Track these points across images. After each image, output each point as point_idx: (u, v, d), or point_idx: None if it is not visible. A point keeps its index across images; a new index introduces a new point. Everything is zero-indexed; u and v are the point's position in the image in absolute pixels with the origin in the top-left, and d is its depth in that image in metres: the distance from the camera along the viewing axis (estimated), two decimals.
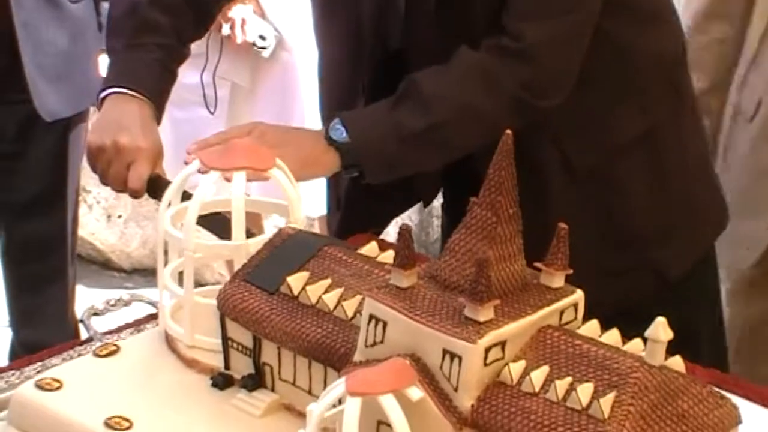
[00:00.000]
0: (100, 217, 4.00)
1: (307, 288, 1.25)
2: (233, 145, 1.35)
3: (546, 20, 1.60)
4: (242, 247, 1.32)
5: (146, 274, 3.84)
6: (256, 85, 3.02)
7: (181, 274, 1.36)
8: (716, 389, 1.14)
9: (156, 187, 1.69)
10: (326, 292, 1.24)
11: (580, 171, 1.71)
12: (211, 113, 2.98)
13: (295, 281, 1.25)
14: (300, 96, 2.94)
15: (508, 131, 1.15)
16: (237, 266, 1.31)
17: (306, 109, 2.92)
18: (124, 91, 1.71)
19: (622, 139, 1.72)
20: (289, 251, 1.30)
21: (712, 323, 1.88)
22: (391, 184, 1.77)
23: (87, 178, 3.24)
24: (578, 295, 1.20)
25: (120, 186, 1.70)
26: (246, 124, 1.68)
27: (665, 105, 1.76)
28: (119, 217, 4.01)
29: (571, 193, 1.70)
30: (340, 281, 1.25)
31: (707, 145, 1.87)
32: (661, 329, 1.11)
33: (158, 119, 1.76)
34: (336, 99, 1.80)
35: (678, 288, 1.75)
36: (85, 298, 3.04)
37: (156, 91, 1.75)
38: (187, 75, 2.95)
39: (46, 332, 2.75)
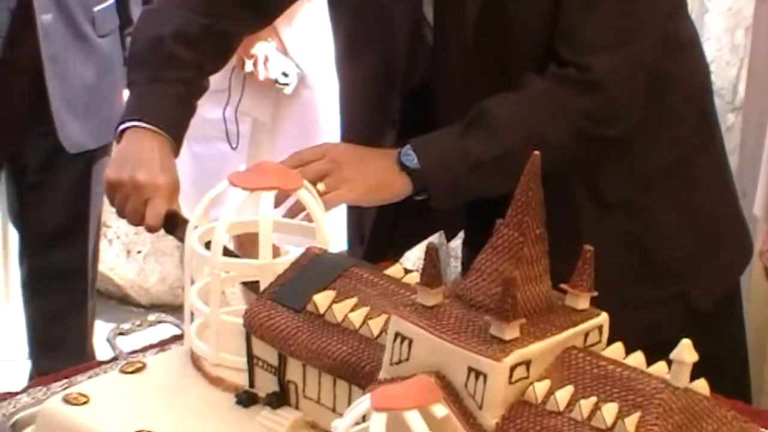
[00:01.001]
0: (119, 252, 4.02)
1: (334, 306, 1.26)
2: (261, 166, 1.37)
3: (611, 52, 1.62)
4: (269, 267, 1.33)
5: (164, 309, 3.85)
6: (278, 121, 3.04)
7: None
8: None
9: (173, 223, 1.70)
10: (352, 310, 1.25)
11: (611, 204, 1.72)
12: (233, 149, 3.00)
13: (322, 300, 1.27)
14: (321, 133, 2.95)
15: (536, 152, 1.17)
16: (263, 285, 1.32)
17: None
18: (145, 126, 1.72)
19: (653, 171, 1.73)
20: (315, 271, 1.31)
21: (738, 358, 1.88)
22: (418, 217, 1.77)
23: (107, 213, 3.25)
24: (603, 317, 1.20)
25: (136, 221, 1.71)
26: (320, 146, 1.69)
27: (696, 136, 1.78)
28: (138, 252, 4.02)
29: (601, 226, 1.71)
30: (366, 300, 1.26)
31: (733, 178, 1.88)
32: (686, 351, 1.12)
33: (176, 153, 1.77)
34: (363, 133, 1.81)
35: (706, 321, 1.75)
36: (103, 333, 3.05)
37: (176, 127, 1.76)
38: (210, 110, 2.97)
39: (65, 364, 2.74)
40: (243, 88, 2.97)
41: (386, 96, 1.79)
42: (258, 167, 1.36)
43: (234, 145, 3.01)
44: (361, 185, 1.62)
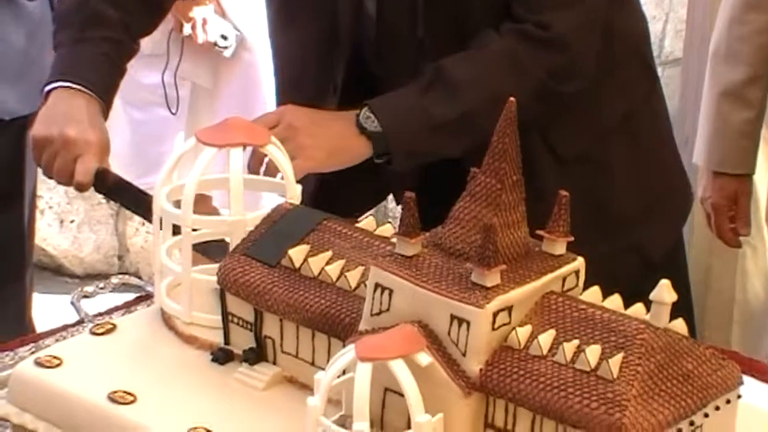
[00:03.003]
0: (52, 222, 3.97)
1: (309, 260, 1.25)
2: (229, 122, 1.36)
3: (569, 8, 1.63)
4: (240, 223, 1.32)
5: (100, 279, 3.80)
6: (218, 85, 3.01)
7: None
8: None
9: (103, 181, 1.67)
10: (328, 263, 1.25)
11: (566, 158, 1.73)
12: (173, 113, 2.97)
13: (297, 254, 1.26)
14: (262, 95, 2.93)
15: (512, 99, 1.17)
16: (235, 242, 1.31)
17: (268, 108, 2.92)
18: (71, 85, 1.69)
19: (605, 123, 1.75)
20: (287, 225, 1.30)
21: (686, 307, 1.92)
22: (361, 182, 1.75)
23: (39, 183, 3.20)
24: (579, 261, 1.22)
25: (65, 179, 1.68)
26: (275, 111, 1.65)
27: (641, 85, 1.80)
28: (72, 221, 3.97)
29: (558, 181, 1.71)
30: (341, 253, 1.26)
31: (671, 127, 1.91)
32: (665, 291, 1.14)
33: (105, 115, 1.74)
34: (302, 101, 1.78)
35: (657, 272, 1.76)
36: (39, 304, 3.01)
37: (103, 87, 1.73)
38: (147, 75, 2.94)
39: (5, 334, 2.71)
40: (181, 52, 2.94)
41: (328, 60, 1.77)
42: (225, 123, 1.35)
43: (174, 110, 2.98)
44: (319, 151, 1.59)
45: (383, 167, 1.68)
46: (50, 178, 1.71)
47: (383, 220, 3.72)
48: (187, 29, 2.90)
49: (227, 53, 2.94)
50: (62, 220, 3.98)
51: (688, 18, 2.68)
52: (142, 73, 2.94)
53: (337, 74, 1.76)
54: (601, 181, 1.75)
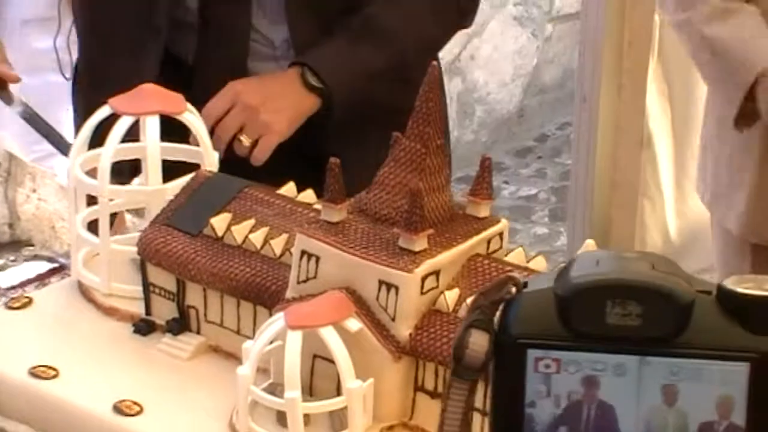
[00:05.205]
0: None
1: (232, 228, 1.24)
2: (143, 90, 1.33)
3: None
4: (159, 192, 1.30)
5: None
6: None
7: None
8: None
9: None
10: (252, 231, 1.24)
11: None
12: (66, 79, 2.90)
13: (219, 222, 1.25)
14: None
15: (434, 62, 1.17)
16: (154, 212, 1.29)
17: None
18: None
19: None
20: (208, 194, 1.29)
21: None
22: None
23: None
24: (503, 224, 1.22)
25: None
26: (225, 93, 1.60)
27: None
28: None
29: None
30: (264, 221, 1.25)
31: None
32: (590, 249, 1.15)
33: None
34: (119, 53, 1.73)
35: None
36: None
37: None
38: (39, 39, 2.86)
39: None
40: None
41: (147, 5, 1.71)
42: (139, 91, 1.32)
43: (67, 76, 2.90)
44: (282, 123, 1.58)
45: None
46: None
47: None
48: None
49: None
50: None
51: None
52: (34, 37, 2.87)
53: (159, 18, 1.71)
54: None
